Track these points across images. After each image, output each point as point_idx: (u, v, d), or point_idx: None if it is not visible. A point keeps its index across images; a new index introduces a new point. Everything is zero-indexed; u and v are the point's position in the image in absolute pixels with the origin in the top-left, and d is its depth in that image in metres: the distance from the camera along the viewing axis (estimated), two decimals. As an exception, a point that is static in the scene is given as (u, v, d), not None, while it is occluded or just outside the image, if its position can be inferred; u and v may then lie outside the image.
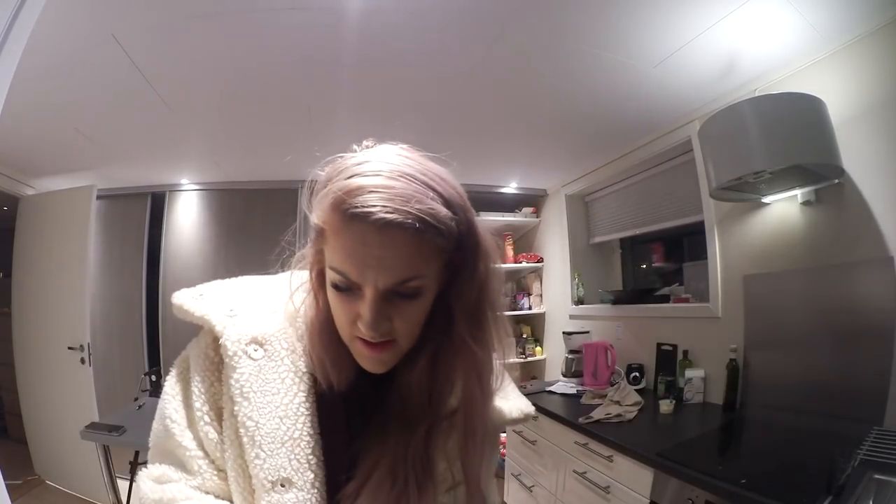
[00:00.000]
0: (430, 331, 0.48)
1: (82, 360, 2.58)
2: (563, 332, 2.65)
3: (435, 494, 0.48)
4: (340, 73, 1.69)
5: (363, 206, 0.40)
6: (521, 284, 3.54)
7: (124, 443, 1.91)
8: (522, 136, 2.38)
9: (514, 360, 3.30)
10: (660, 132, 2.23)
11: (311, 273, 0.50)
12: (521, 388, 2.23)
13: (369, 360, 0.46)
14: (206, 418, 0.48)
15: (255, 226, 3.08)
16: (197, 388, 0.49)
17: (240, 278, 0.56)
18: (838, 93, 1.46)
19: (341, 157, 0.46)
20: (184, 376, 0.51)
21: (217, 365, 0.49)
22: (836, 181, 1.48)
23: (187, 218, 3.12)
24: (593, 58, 1.60)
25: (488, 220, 3.27)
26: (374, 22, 1.38)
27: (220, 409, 0.48)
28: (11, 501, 0.94)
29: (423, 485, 0.47)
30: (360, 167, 0.43)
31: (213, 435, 0.47)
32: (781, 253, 1.69)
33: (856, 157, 1.42)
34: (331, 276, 0.44)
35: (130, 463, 2.04)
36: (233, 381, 0.46)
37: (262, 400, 0.46)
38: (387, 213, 0.39)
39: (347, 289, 0.44)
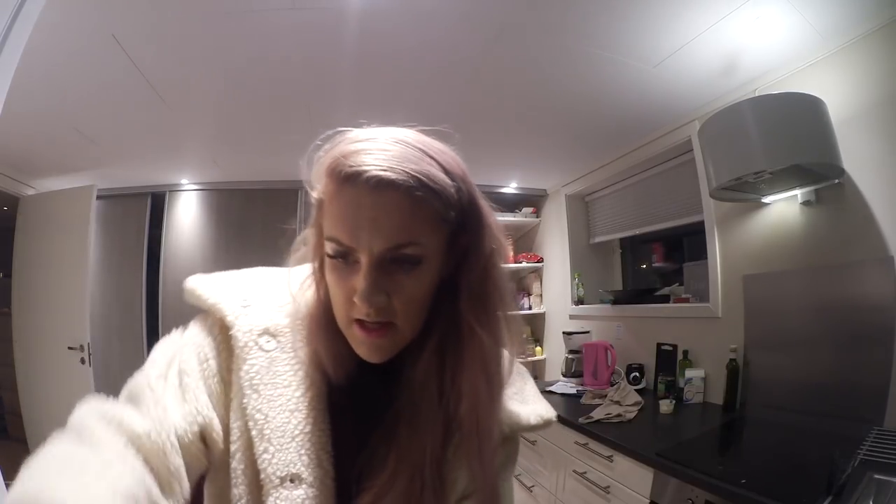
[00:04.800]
0: (434, 320, 0.46)
1: (82, 360, 2.58)
2: (563, 332, 2.65)
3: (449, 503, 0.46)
4: (340, 73, 1.69)
5: (356, 166, 0.39)
6: (521, 284, 3.54)
7: (124, 443, 1.91)
8: (522, 136, 2.38)
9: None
10: (660, 132, 2.23)
11: (314, 262, 0.48)
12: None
13: (366, 346, 0.44)
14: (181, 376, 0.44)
15: (255, 226, 3.09)
16: (188, 363, 0.45)
17: (256, 269, 0.54)
18: (838, 93, 1.46)
19: (340, 131, 0.46)
20: (170, 349, 0.47)
21: (220, 345, 0.47)
22: (836, 181, 1.48)
23: (187, 218, 3.12)
24: (593, 58, 1.60)
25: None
26: (374, 22, 1.38)
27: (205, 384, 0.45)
28: (11, 501, 0.94)
29: (438, 497, 0.45)
30: (358, 135, 0.43)
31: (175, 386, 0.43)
32: (781, 253, 1.69)
33: (856, 157, 1.42)
34: (327, 247, 0.43)
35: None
36: (242, 373, 0.44)
37: (273, 392, 0.44)
38: (380, 170, 0.39)
39: (342, 257, 0.42)
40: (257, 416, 0.43)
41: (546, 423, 0.54)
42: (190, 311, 0.51)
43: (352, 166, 0.39)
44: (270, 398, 0.44)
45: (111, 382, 2.98)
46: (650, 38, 1.48)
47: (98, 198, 2.75)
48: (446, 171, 0.43)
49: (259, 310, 0.47)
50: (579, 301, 2.90)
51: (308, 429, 0.44)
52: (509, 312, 0.48)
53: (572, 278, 2.95)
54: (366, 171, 0.39)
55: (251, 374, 0.44)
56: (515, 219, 3.38)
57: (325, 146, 0.46)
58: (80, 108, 1.88)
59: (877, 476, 1.02)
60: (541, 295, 3.37)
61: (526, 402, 0.54)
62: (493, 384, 0.47)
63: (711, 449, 1.50)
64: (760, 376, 1.72)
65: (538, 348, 3.33)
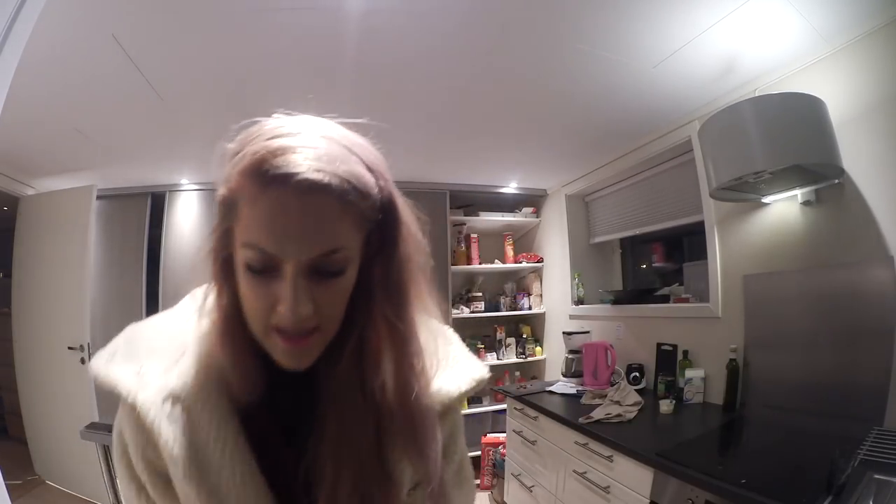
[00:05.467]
0: (350, 316, 0.44)
1: (82, 360, 2.58)
2: (563, 332, 2.65)
3: (400, 496, 0.46)
4: (340, 73, 1.68)
5: (286, 167, 0.36)
6: (521, 284, 3.54)
7: (124, 443, 1.90)
8: (522, 136, 2.38)
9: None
10: (660, 132, 2.23)
11: (215, 265, 0.43)
12: (521, 388, 2.19)
13: (290, 355, 0.41)
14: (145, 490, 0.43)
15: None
16: (131, 455, 0.44)
17: (151, 319, 0.50)
18: (838, 93, 1.46)
19: (255, 122, 0.43)
20: (119, 447, 0.46)
21: (140, 430, 0.43)
22: (836, 181, 1.48)
23: (187, 218, 3.12)
24: (593, 58, 1.60)
25: (488, 220, 3.29)
26: (375, 23, 1.38)
27: (159, 471, 0.44)
28: (11, 501, 0.94)
29: (387, 492, 0.44)
30: (280, 129, 0.40)
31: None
32: (781, 253, 1.69)
33: (856, 157, 1.42)
34: (244, 255, 0.39)
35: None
36: (161, 450, 0.41)
37: (195, 457, 0.41)
38: (311, 172, 0.36)
39: (263, 269, 0.38)
40: (187, 489, 0.41)
41: (478, 384, 0.53)
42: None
43: (279, 167, 0.36)
44: (198, 463, 0.41)
45: (111, 382, 2.99)
46: (650, 38, 1.48)
47: (98, 198, 2.75)
48: (370, 170, 0.41)
49: (154, 373, 0.43)
50: (579, 301, 2.90)
51: (240, 479, 0.41)
52: (426, 298, 0.48)
53: (572, 278, 2.95)
54: (296, 174, 0.36)
55: (168, 448, 0.41)
56: (515, 219, 3.38)
57: (239, 138, 0.42)
58: (80, 108, 1.88)
59: (877, 476, 1.02)
60: (541, 295, 3.37)
61: (454, 367, 0.53)
62: (416, 372, 0.46)
63: (711, 449, 1.50)
64: (760, 376, 1.72)
65: (538, 348, 3.33)
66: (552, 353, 3.22)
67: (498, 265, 3.35)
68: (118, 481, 0.46)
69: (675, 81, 1.76)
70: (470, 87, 1.82)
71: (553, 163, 2.84)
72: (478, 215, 3.26)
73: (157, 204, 3.09)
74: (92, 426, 2.01)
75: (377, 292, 0.44)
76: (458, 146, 2.51)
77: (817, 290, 1.54)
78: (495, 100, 1.94)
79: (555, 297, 3.21)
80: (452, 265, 3.17)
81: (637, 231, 2.64)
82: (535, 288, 3.39)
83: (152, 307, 3.03)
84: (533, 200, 3.44)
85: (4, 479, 0.90)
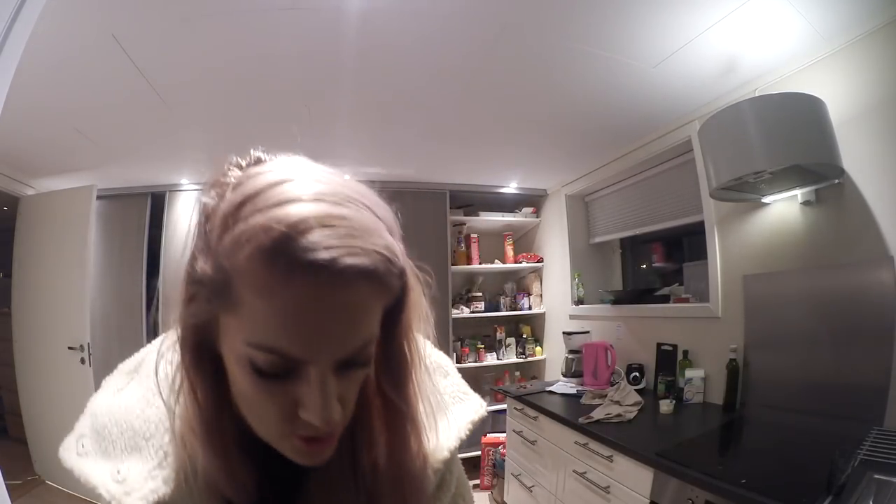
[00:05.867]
0: None
1: (82, 360, 2.58)
2: (563, 332, 2.65)
3: None
4: (340, 74, 1.69)
5: (318, 251, 0.27)
6: (521, 284, 3.54)
7: (124, 443, 1.90)
8: (522, 136, 2.38)
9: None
10: (660, 132, 2.23)
11: (184, 357, 0.35)
12: (521, 388, 2.18)
13: (309, 456, 0.35)
14: None
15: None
16: None
17: (115, 398, 0.44)
18: (838, 93, 1.46)
19: (236, 164, 0.36)
20: None
21: None
22: (836, 181, 1.48)
23: (187, 218, 3.12)
24: (593, 58, 1.60)
25: (488, 220, 3.29)
26: (374, 22, 1.38)
27: None
28: (11, 501, 0.94)
29: None
30: (287, 188, 0.30)
31: None
32: (781, 253, 1.69)
33: (856, 157, 1.42)
34: (251, 355, 0.31)
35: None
36: None
37: None
38: (355, 257, 0.28)
39: (279, 373, 0.31)
40: None
41: (476, 425, 0.49)
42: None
43: (308, 250, 0.27)
44: None
45: (111, 382, 2.98)
46: (650, 38, 1.48)
47: (98, 198, 2.75)
48: (391, 233, 0.33)
49: (137, 477, 0.38)
50: (579, 301, 2.90)
51: None
52: (426, 370, 0.42)
53: (572, 278, 2.95)
54: (334, 259, 0.28)
55: None
56: (515, 219, 3.38)
57: (229, 197, 0.32)
58: (80, 108, 1.88)
59: (877, 476, 1.02)
60: (541, 295, 3.37)
61: (451, 409, 0.48)
62: (413, 453, 0.42)
63: (711, 449, 1.50)
64: (760, 376, 1.72)
65: (538, 348, 3.33)
66: (552, 353, 3.22)
67: (498, 265, 3.35)
68: None
69: (674, 81, 1.76)
70: (470, 86, 1.82)
71: (553, 163, 2.84)
72: (478, 215, 3.26)
73: (157, 204, 3.09)
74: (92, 426, 2.01)
75: (376, 367, 0.39)
76: (458, 146, 2.50)
77: (817, 290, 1.54)
78: (495, 99, 1.94)
79: (555, 297, 3.21)
80: (452, 265, 3.18)
81: (637, 231, 2.64)
82: (535, 288, 3.39)
83: (152, 307, 3.03)
84: (533, 200, 3.44)
85: (4, 479, 0.90)
